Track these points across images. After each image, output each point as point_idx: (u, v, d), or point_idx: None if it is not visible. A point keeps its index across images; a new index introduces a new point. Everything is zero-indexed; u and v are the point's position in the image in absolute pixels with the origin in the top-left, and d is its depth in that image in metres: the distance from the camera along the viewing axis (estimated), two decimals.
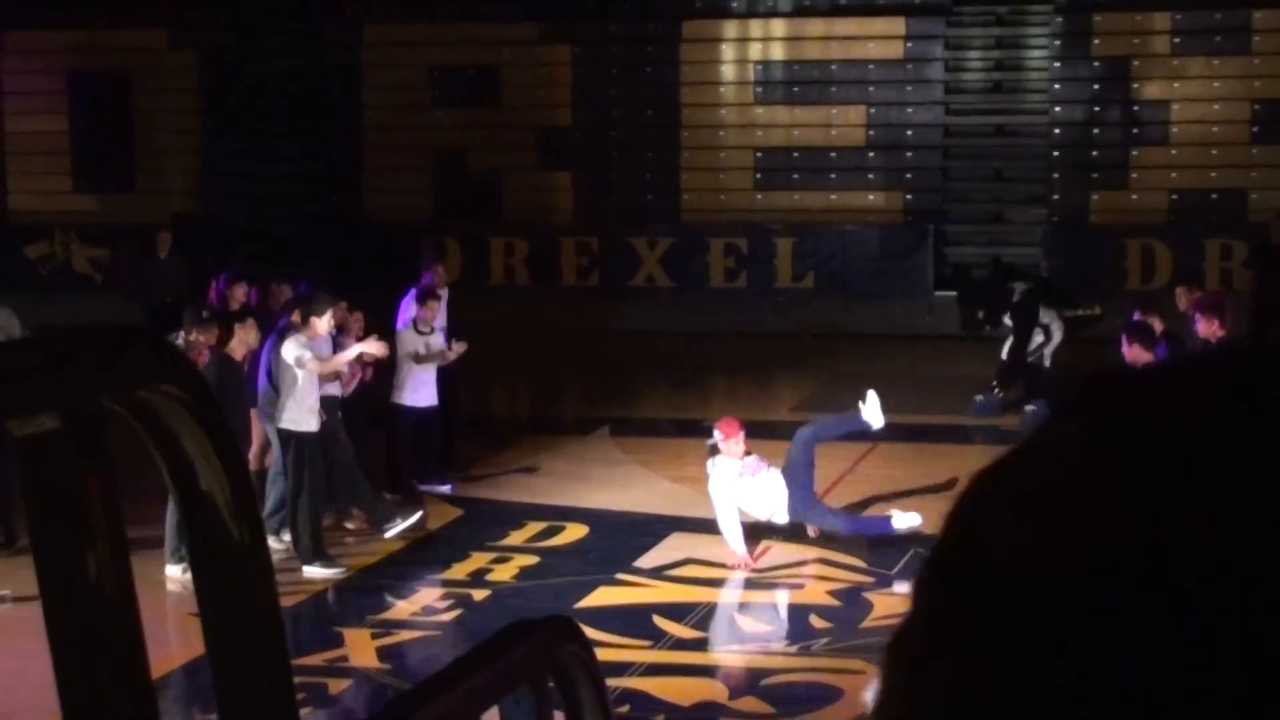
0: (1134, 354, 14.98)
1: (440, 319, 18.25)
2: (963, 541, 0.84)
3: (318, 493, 15.39)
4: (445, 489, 17.91)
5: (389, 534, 15.82)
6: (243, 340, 15.31)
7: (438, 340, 17.80)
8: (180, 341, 15.82)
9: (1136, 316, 17.06)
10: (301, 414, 15.22)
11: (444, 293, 18.87)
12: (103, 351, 1.72)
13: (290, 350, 15.26)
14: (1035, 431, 0.86)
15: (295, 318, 15.70)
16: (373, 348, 16.22)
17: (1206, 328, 15.70)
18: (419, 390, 17.57)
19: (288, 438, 15.20)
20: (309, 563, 15.00)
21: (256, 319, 15.86)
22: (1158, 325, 16.68)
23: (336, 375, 16.09)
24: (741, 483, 15.22)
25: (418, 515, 16.10)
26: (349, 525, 16.38)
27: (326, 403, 15.71)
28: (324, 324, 15.60)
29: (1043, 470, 0.83)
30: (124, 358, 1.73)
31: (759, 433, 21.03)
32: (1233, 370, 0.83)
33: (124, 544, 1.69)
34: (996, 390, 21.43)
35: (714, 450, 15.41)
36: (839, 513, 15.93)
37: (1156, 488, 0.78)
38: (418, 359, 17.49)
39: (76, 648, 1.64)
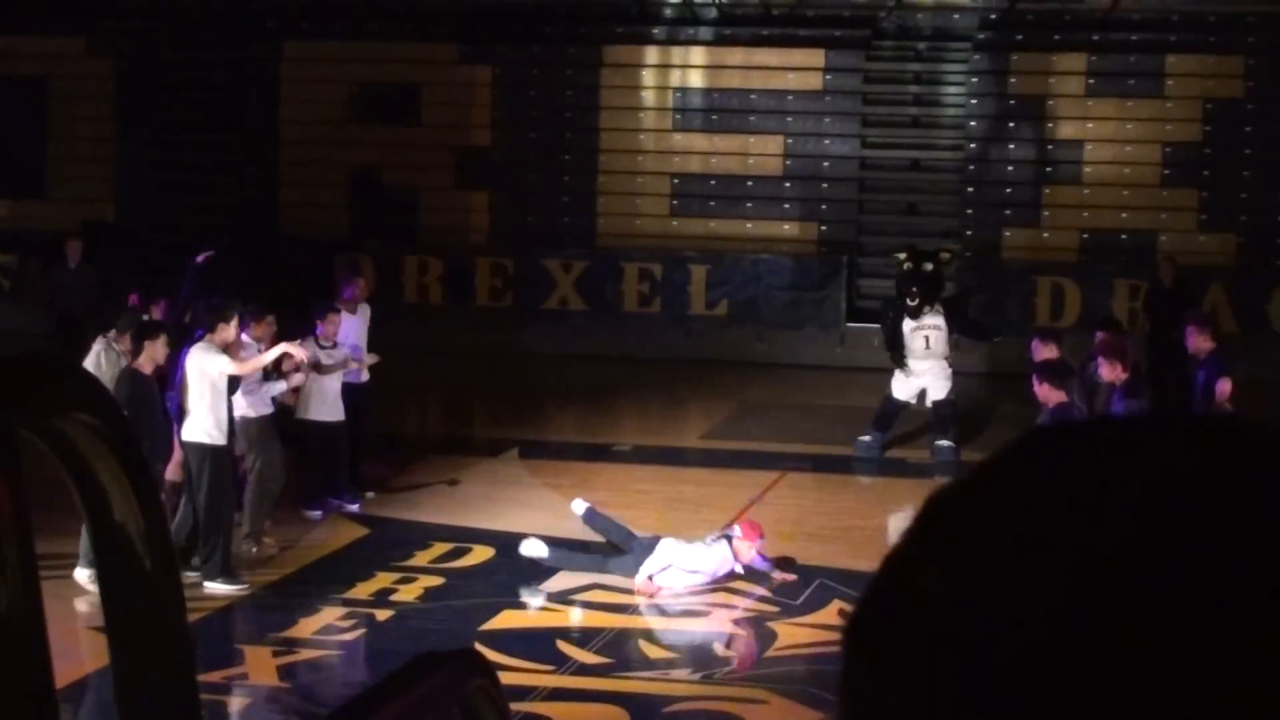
0: (1045, 393, 15.06)
1: (354, 334, 18.19)
2: (898, 588, 0.85)
3: (229, 508, 15.30)
4: (353, 507, 17.84)
5: (208, 587, 14.81)
6: (150, 356, 15.12)
7: (339, 352, 17.70)
8: (111, 343, 15.70)
9: (1036, 348, 17.15)
10: (212, 427, 15.13)
11: (365, 309, 18.80)
12: (17, 379, 1.72)
13: (201, 359, 15.17)
14: (977, 481, 0.87)
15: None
16: (295, 350, 16.20)
17: (1110, 371, 15.78)
18: (323, 405, 17.47)
19: (199, 451, 15.08)
20: (212, 579, 14.89)
21: (169, 334, 15.72)
22: (1054, 352, 16.79)
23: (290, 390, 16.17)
24: (710, 572, 15.15)
25: (240, 587, 15.10)
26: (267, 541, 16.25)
27: (258, 421, 15.72)
28: (230, 330, 15.53)
29: (985, 532, 0.84)
30: (40, 385, 1.73)
31: (668, 459, 21.15)
32: (1175, 451, 0.85)
33: (33, 566, 1.69)
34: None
35: (726, 536, 15.33)
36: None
37: (1092, 583, 0.80)
38: (319, 369, 17.37)
39: None
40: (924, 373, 20.90)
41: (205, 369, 15.14)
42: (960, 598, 0.82)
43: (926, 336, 20.94)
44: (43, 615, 1.66)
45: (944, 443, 20.67)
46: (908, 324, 21.03)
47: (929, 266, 21.49)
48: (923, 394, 21.01)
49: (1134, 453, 0.84)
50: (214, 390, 15.13)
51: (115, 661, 1.77)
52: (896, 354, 21.16)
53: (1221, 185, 29.24)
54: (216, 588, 14.82)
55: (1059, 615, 0.79)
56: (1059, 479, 0.84)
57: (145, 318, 17.37)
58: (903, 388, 21.05)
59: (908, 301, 21.09)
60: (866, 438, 21.11)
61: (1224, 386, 15.69)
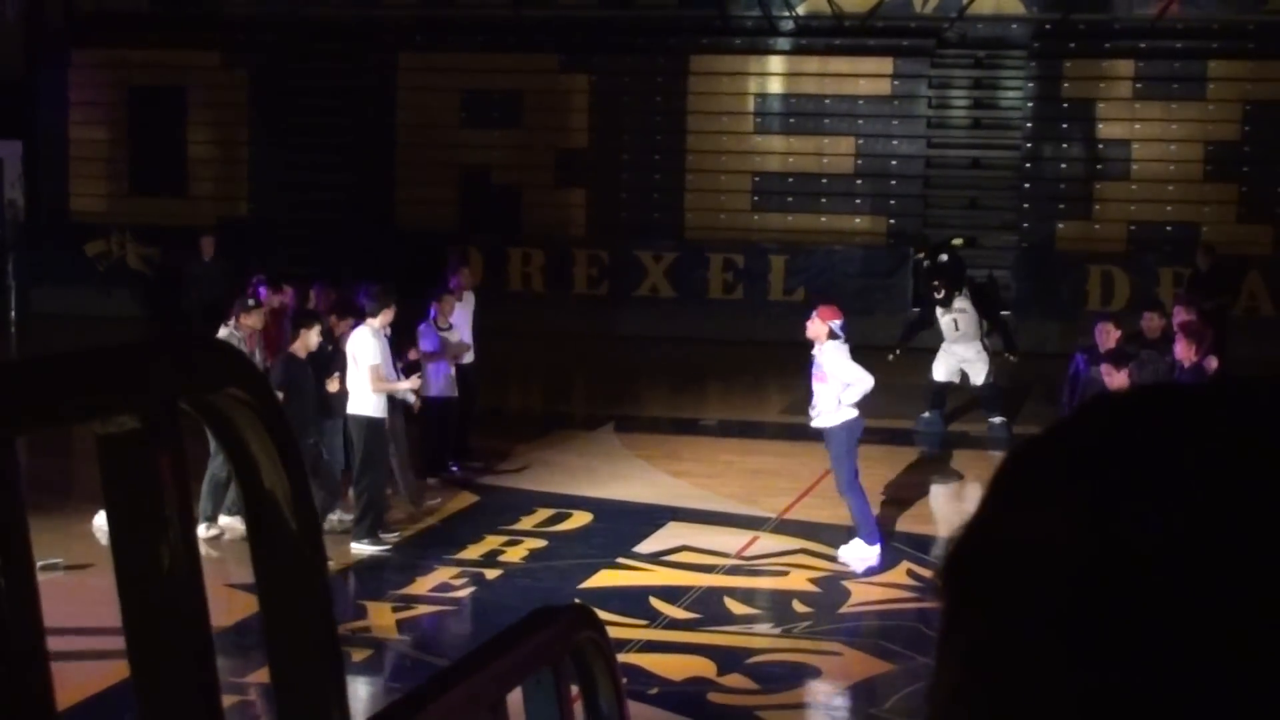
0: (1114, 380, 14.67)
1: (460, 320, 18.23)
2: (976, 543, 0.84)
3: (381, 478, 15.31)
4: (454, 469, 17.92)
5: (354, 548, 14.98)
6: (304, 343, 15.18)
7: (453, 336, 17.74)
8: (231, 329, 15.83)
9: (1101, 334, 16.90)
10: (370, 402, 15.21)
11: (469, 296, 18.84)
12: (177, 358, 1.74)
13: (358, 344, 15.27)
14: (1058, 435, 0.84)
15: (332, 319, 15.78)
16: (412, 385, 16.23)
17: (1185, 351, 15.44)
18: (440, 383, 17.52)
19: (358, 423, 15.21)
20: (359, 540, 14.97)
21: (316, 322, 15.71)
22: (1115, 334, 16.57)
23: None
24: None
25: (384, 549, 15.18)
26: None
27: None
28: (390, 315, 15.58)
29: (1058, 493, 0.82)
30: (196, 364, 1.75)
31: (750, 432, 21.12)
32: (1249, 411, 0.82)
33: (193, 530, 1.71)
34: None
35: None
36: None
37: (1156, 539, 0.78)
38: (430, 358, 17.40)
39: (148, 621, 1.65)
40: (961, 354, 20.79)
41: (358, 354, 15.24)
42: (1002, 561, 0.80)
43: (955, 320, 20.82)
44: (201, 574, 1.68)
45: (996, 419, 20.59)
46: (939, 311, 20.99)
47: (944, 257, 21.38)
48: (964, 376, 20.91)
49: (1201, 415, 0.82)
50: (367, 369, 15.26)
51: (264, 613, 1.79)
52: (909, 338, 21.25)
53: (1259, 180, 28.92)
54: (363, 548, 14.90)
55: (1154, 555, 0.77)
56: (1131, 435, 0.82)
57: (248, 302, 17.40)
58: (942, 369, 21.00)
59: (935, 295, 21.02)
60: (927, 414, 21.06)
61: (1209, 363, 15.47)
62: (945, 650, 0.85)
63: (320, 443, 15.27)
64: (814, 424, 15.26)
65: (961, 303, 20.89)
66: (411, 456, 16.58)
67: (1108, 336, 16.79)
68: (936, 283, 20.98)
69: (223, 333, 15.78)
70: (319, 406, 15.27)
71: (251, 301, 16.55)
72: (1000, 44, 31.19)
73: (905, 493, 17.54)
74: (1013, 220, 29.99)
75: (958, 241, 22.51)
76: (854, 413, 15.09)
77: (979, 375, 20.75)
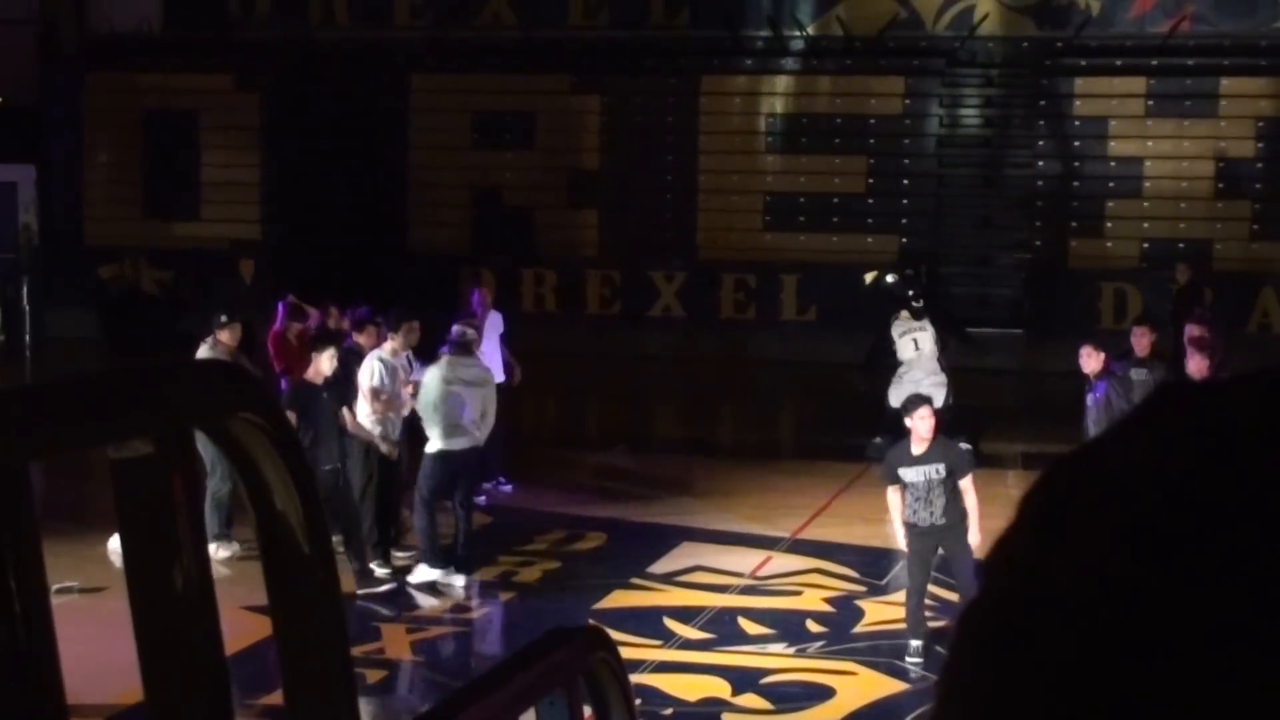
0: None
1: (490, 341, 18.15)
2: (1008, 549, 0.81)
3: (393, 498, 15.21)
4: (480, 499, 17.84)
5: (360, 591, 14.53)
6: (317, 368, 14.91)
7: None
8: (210, 344, 15.72)
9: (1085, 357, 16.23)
10: (373, 426, 15.13)
11: (495, 317, 18.76)
12: (190, 383, 1.75)
13: (363, 370, 15.19)
14: (1079, 456, 0.81)
15: (362, 338, 15.69)
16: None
17: (1197, 365, 15.28)
18: None
19: (362, 447, 15.09)
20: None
21: (331, 344, 15.46)
22: (1099, 355, 15.89)
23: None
24: None
25: (387, 587, 14.80)
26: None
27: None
28: (398, 340, 15.46)
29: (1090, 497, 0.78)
30: (209, 388, 1.76)
31: (763, 451, 21.08)
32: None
33: (206, 553, 1.72)
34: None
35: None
36: None
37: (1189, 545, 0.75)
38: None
39: (162, 644, 1.66)
40: (918, 379, 20.07)
41: (360, 380, 15.13)
42: (1041, 567, 0.78)
43: (915, 339, 20.19)
44: (214, 597, 1.69)
45: (963, 446, 20.14)
46: (896, 329, 20.27)
47: (910, 272, 21.12)
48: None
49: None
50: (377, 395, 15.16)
51: (278, 635, 1.79)
52: (874, 364, 20.72)
53: (1272, 197, 28.91)
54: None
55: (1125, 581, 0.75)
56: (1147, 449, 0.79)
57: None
58: (899, 396, 20.46)
59: (913, 303, 20.41)
60: (878, 440, 20.14)
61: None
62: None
63: (340, 471, 14.79)
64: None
65: (920, 321, 20.29)
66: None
67: (1089, 359, 15.94)
68: (912, 293, 20.56)
69: (203, 350, 15.64)
70: (339, 432, 14.96)
71: (224, 318, 16.27)
72: (1012, 62, 31.20)
73: None
74: (1025, 238, 29.99)
75: (910, 273, 22.04)
76: (462, 444, 14.85)
77: (939, 399, 20.27)
